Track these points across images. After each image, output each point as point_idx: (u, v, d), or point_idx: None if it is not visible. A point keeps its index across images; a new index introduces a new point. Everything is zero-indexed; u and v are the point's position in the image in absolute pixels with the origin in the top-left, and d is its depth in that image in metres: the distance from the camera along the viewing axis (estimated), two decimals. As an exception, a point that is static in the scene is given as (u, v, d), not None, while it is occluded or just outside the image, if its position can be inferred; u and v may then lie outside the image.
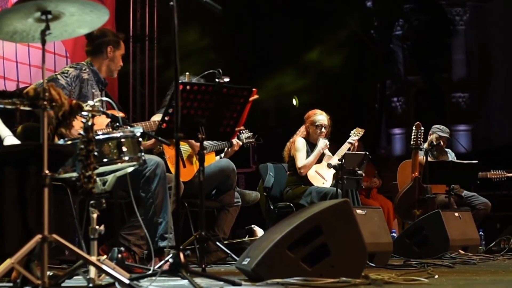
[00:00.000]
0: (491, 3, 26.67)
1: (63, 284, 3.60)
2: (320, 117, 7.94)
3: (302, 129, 8.03)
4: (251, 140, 7.19)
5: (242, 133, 7.05)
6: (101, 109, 3.73)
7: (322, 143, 7.79)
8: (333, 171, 7.54)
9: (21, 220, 3.47)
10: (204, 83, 5.35)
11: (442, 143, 8.74)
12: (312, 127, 7.93)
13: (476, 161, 8.39)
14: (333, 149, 8.06)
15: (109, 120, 4.76)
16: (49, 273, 3.42)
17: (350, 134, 8.02)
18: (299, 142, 7.86)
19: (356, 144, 7.93)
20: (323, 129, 7.90)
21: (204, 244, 4.99)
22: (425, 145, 8.58)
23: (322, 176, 7.83)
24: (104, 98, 3.96)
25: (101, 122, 4.96)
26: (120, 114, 4.08)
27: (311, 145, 7.93)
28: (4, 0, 6.84)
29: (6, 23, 3.42)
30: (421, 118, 10.29)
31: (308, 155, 7.81)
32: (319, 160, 7.86)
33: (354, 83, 19.96)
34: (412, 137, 8.52)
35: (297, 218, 4.07)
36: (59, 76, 5.29)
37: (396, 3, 22.06)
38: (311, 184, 7.68)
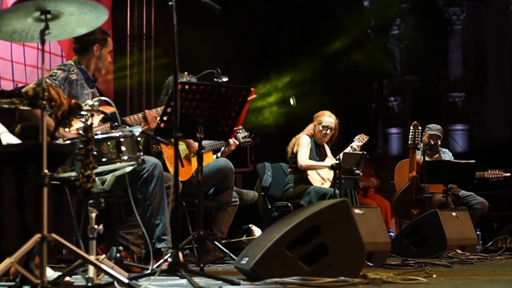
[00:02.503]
0: (487, 2, 26.71)
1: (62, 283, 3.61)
2: (328, 118, 7.96)
3: (309, 127, 8.05)
4: (247, 139, 7.20)
5: (239, 132, 7.06)
6: (100, 108, 3.72)
7: (330, 163, 7.73)
8: (332, 172, 7.56)
9: (20, 220, 3.47)
10: (202, 82, 5.35)
11: (432, 141, 8.73)
12: (318, 127, 7.95)
13: (473, 161, 8.40)
14: (334, 151, 8.09)
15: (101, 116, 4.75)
16: (55, 273, 3.46)
17: (354, 140, 8.06)
18: (304, 139, 7.89)
19: (358, 149, 7.96)
20: (328, 131, 7.92)
21: (202, 243, 4.99)
22: (422, 145, 8.60)
23: (322, 177, 7.84)
24: (103, 98, 3.95)
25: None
26: (111, 110, 4.07)
27: (316, 145, 7.96)
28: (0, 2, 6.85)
29: (5, 23, 3.42)
30: (417, 117, 10.31)
31: (311, 153, 7.83)
32: (321, 161, 7.89)
33: (351, 82, 19.96)
34: (410, 136, 8.54)
35: (295, 218, 4.08)
36: (47, 80, 5.26)
37: (393, 3, 22.06)
38: (311, 184, 7.70)
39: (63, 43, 7.51)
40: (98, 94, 5.51)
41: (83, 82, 5.44)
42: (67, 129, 3.53)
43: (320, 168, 7.84)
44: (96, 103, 3.65)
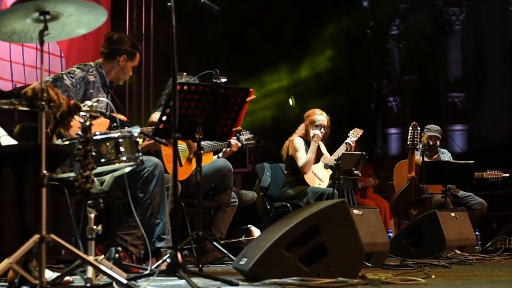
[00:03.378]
0: (487, 2, 26.72)
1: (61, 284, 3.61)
2: (320, 117, 7.89)
3: (301, 128, 7.99)
4: (251, 141, 7.16)
5: (242, 134, 7.04)
6: (99, 109, 3.73)
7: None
8: (329, 171, 7.55)
9: (19, 220, 3.47)
10: (201, 83, 5.35)
11: (431, 142, 8.72)
12: (311, 126, 7.89)
13: (472, 161, 8.40)
14: (330, 149, 8.07)
15: (106, 123, 4.77)
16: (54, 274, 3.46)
17: (349, 135, 8.01)
18: (297, 141, 7.82)
19: (354, 145, 7.94)
20: (321, 130, 7.88)
21: (201, 244, 4.99)
22: (421, 146, 8.59)
23: (318, 177, 7.82)
24: (102, 99, 3.95)
25: (103, 124, 4.94)
26: (121, 117, 4.09)
27: (309, 145, 7.91)
28: (-2, 2, 6.84)
29: (4, 24, 3.43)
30: (417, 117, 10.31)
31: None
32: (316, 160, 7.86)
33: (350, 82, 19.97)
34: (409, 137, 8.53)
35: (294, 218, 4.08)
36: (64, 76, 5.28)
37: (392, 3, 22.06)
38: (308, 185, 7.68)
39: (62, 44, 7.50)
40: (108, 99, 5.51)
41: (100, 85, 5.46)
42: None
43: (313, 152, 7.71)
44: (95, 104, 3.65)
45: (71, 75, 5.30)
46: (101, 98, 4.08)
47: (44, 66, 5.95)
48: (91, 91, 5.39)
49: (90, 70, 5.42)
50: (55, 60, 7.46)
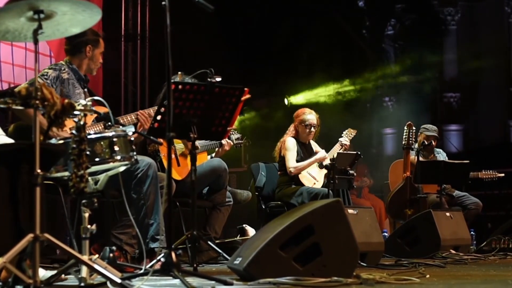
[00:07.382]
0: (482, 3, 26.72)
1: (55, 283, 3.60)
2: (309, 116, 7.91)
3: (291, 128, 8.00)
4: (240, 141, 7.19)
5: (232, 133, 7.05)
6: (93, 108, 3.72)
7: (322, 155, 7.76)
8: (324, 171, 7.55)
9: (13, 219, 3.46)
10: (196, 82, 5.35)
11: (427, 142, 8.73)
12: (301, 126, 7.90)
13: (467, 161, 8.41)
14: (325, 149, 8.07)
15: (94, 116, 4.74)
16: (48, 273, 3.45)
17: (342, 135, 8.03)
18: (289, 141, 7.83)
19: (348, 144, 7.95)
20: (312, 129, 7.89)
21: (195, 243, 4.99)
22: (416, 145, 8.60)
23: (313, 177, 7.82)
24: (97, 98, 3.95)
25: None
26: (104, 110, 4.07)
27: (301, 144, 7.93)
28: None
29: (-2, 22, 3.42)
30: (412, 117, 10.30)
31: (298, 155, 7.81)
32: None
33: (347, 82, 19.97)
34: (404, 136, 8.54)
35: (289, 218, 4.08)
36: (38, 79, 5.25)
37: (388, 3, 22.06)
38: (302, 184, 7.68)
39: (52, 43, 7.49)
40: (85, 94, 5.51)
41: (75, 81, 5.46)
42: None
43: (309, 165, 7.79)
44: (89, 103, 3.65)
45: (45, 76, 5.29)
46: (96, 98, 4.05)
47: (33, 66, 5.92)
48: (75, 90, 5.39)
49: (63, 68, 5.42)
50: (45, 60, 7.44)
